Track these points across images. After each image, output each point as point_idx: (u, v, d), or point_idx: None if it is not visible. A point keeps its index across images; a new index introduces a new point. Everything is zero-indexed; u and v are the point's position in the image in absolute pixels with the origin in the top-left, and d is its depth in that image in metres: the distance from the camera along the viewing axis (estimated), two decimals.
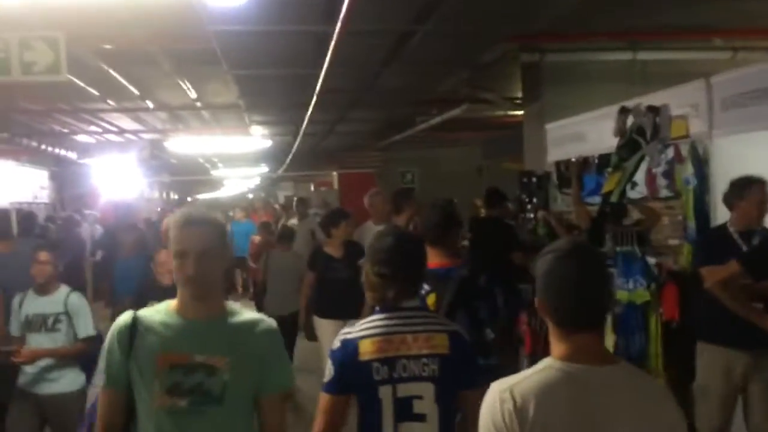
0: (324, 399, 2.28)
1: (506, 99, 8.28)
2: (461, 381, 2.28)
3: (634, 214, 5.94)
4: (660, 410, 1.59)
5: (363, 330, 2.29)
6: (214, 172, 19.84)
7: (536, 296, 1.66)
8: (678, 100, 5.06)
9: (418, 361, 2.24)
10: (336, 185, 18.02)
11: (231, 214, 14.63)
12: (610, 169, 5.80)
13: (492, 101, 8.37)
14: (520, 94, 8.26)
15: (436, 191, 15.34)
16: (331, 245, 5.70)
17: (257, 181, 23.34)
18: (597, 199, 7.85)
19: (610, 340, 4.67)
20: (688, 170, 5.08)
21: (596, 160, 6.74)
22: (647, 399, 1.59)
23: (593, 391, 1.56)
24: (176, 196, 23.56)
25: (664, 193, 8.34)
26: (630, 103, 5.76)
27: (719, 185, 4.71)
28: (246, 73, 6.74)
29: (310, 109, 8.31)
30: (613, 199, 5.54)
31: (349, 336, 2.29)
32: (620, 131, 5.77)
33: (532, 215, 7.72)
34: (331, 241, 5.71)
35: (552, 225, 6.43)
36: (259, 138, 12.22)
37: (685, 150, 5.17)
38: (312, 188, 20.38)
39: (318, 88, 6.81)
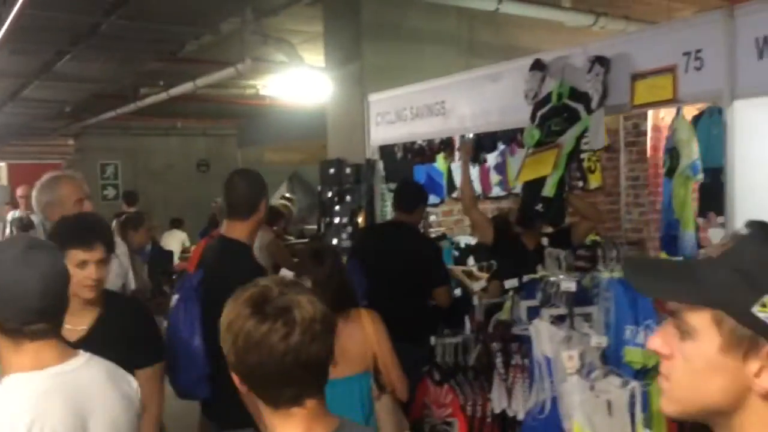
0: None
1: (300, 59, 5.87)
2: None
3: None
4: (121, 383, 1.78)
5: None
6: None
7: None
8: (659, 46, 3.33)
9: None
10: (4, 181, 13.69)
11: None
12: (530, 149, 3.87)
13: (281, 62, 5.95)
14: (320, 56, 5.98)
15: (148, 190, 12.22)
16: None
17: None
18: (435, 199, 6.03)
19: None
20: (692, 152, 3.32)
21: (473, 142, 4.82)
22: (112, 377, 1.76)
23: (74, 384, 1.65)
24: None
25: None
26: (547, 56, 3.92)
27: (739, 170, 3.08)
28: None
29: None
30: (547, 192, 3.62)
31: None
32: (534, 94, 3.93)
33: (345, 219, 5.54)
34: None
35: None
36: None
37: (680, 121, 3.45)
38: None
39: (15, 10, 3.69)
